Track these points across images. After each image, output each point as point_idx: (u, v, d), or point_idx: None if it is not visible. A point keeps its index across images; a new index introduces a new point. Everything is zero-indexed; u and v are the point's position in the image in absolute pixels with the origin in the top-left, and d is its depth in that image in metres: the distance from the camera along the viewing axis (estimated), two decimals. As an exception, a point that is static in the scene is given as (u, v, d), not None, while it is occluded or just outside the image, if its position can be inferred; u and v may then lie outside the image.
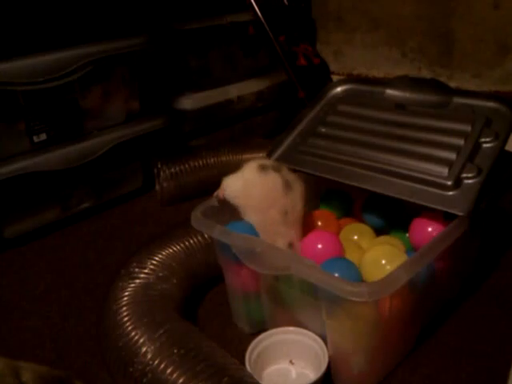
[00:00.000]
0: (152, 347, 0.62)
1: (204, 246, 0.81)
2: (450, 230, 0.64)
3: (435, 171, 0.70)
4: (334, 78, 1.56)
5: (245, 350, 0.66)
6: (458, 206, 0.66)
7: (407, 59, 1.45)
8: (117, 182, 1.16)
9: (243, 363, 0.64)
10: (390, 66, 1.49)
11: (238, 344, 0.73)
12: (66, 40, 0.99)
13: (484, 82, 1.32)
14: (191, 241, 0.80)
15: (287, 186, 0.72)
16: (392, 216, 0.80)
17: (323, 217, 0.81)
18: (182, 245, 0.80)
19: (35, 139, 1.00)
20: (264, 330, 0.71)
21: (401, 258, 0.64)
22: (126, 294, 0.71)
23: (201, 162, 1.15)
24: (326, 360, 0.64)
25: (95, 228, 1.08)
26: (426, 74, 1.41)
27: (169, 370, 0.58)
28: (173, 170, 1.13)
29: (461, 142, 0.72)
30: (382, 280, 0.56)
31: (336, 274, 0.60)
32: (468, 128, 0.74)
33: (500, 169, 0.72)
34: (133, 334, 0.64)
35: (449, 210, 0.66)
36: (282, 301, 0.69)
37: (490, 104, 0.77)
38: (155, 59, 1.26)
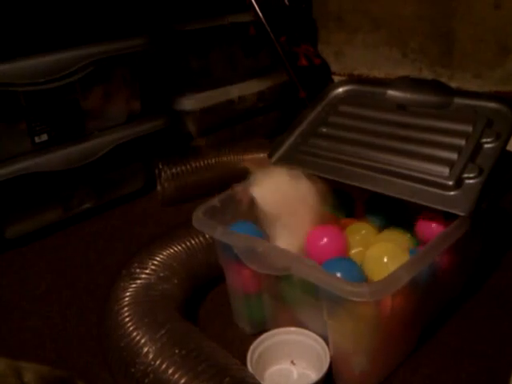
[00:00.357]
0: (153, 347, 0.62)
1: (205, 247, 0.81)
2: (451, 230, 0.64)
3: (436, 171, 0.70)
4: (335, 78, 1.56)
5: (246, 351, 0.66)
6: (459, 206, 0.66)
7: (408, 59, 1.45)
8: (118, 182, 1.16)
9: (245, 364, 0.64)
10: (391, 66, 1.49)
11: (240, 344, 0.73)
12: (67, 41, 1.00)
13: (485, 82, 1.32)
14: (192, 241, 0.80)
15: (317, 194, 0.73)
16: (395, 215, 0.80)
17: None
18: (183, 245, 0.80)
19: (36, 140, 1.00)
20: (265, 330, 0.71)
21: (403, 256, 0.64)
22: (127, 294, 0.71)
23: (202, 163, 1.15)
24: (328, 360, 0.64)
25: (96, 228, 1.08)
26: (426, 74, 1.41)
27: (170, 371, 0.58)
28: (174, 170, 1.13)
29: (462, 142, 0.72)
30: (383, 280, 0.56)
31: (338, 274, 0.60)
32: (469, 128, 0.74)
33: (501, 169, 0.72)
34: (134, 334, 0.64)
35: (450, 210, 0.66)
36: (283, 301, 0.69)
37: (492, 105, 0.77)
38: (156, 60, 1.26)
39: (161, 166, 1.13)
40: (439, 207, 0.67)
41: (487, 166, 0.69)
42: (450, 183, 0.68)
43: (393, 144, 0.77)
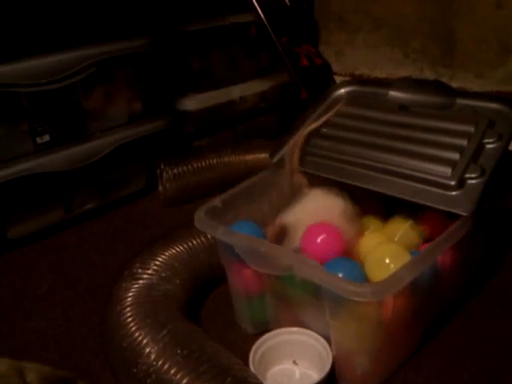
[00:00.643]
0: (156, 348, 0.62)
1: (207, 247, 0.81)
2: (453, 230, 0.64)
3: (438, 171, 0.70)
4: (337, 78, 1.56)
5: (248, 351, 0.66)
6: (461, 206, 0.66)
7: (409, 60, 1.45)
8: (120, 182, 1.16)
9: (247, 364, 0.64)
10: (393, 66, 1.49)
11: (242, 345, 0.73)
12: (68, 41, 1.00)
13: (486, 82, 1.32)
14: (194, 241, 0.80)
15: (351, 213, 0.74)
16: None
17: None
18: (185, 245, 0.80)
19: (38, 140, 1.00)
20: (267, 330, 0.71)
21: (405, 257, 0.64)
22: (130, 294, 0.71)
23: (203, 163, 1.15)
24: (330, 360, 0.64)
25: (98, 229, 1.08)
26: (428, 74, 1.41)
27: (172, 371, 0.58)
28: (175, 170, 1.13)
29: (464, 142, 0.72)
30: (385, 280, 0.56)
31: (340, 275, 0.60)
32: (471, 129, 0.74)
33: (503, 169, 0.72)
34: (136, 334, 0.64)
35: (452, 210, 0.66)
36: (286, 301, 0.69)
37: (493, 105, 0.77)
38: (158, 60, 1.26)
39: (162, 167, 1.13)
40: (441, 207, 0.67)
41: (489, 166, 0.69)
42: (452, 183, 0.68)
43: (395, 144, 0.77)
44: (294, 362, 0.69)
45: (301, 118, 0.87)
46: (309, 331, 0.67)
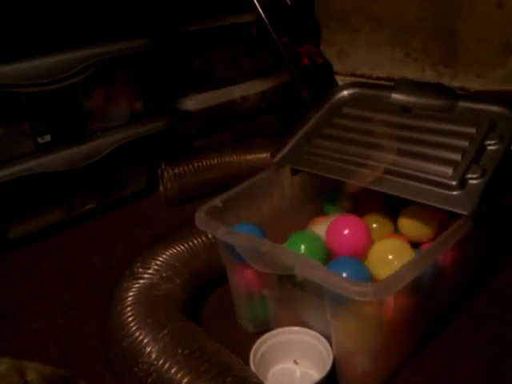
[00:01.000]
0: (156, 347, 0.62)
1: (208, 247, 0.81)
2: (454, 229, 0.64)
3: (440, 171, 0.70)
4: (338, 78, 1.55)
5: (249, 350, 0.66)
6: (462, 205, 0.66)
7: (410, 59, 1.45)
8: (120, 182, 1.16)
9: (247, 363, 0.64)
10: (394, 66, 1.48)
11: (243, 344, 0.73)
12: (69, 42, 1.00)
13: (488, 82, 1.32)
14: (195, 241, 0.80)
15: None
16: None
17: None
18: (185, 245, 0.80)
19: (39, 140, 1.00)
20: (268, 329, 0.71)
21: (408, 253, 0.64)
22: (131, 294, 0.71)
23: (204, 163, 1.15)
24: (331, 360, 0.64)
25: (99, 229, 1.08)
26: (429, 73, 1.41)
27: (173, 370, 0.58)
28: (176, 170, 1.13)
29: (466, 144, 0.73)
30: (386, 279, 0.56)
31: (344, 274, 0.60)
32: (473, 131, 0.74)
33: (505, 170, 0.72)
34: (137, 334, 0.64)
35: (453, 210, 0.66)
36: (287, 301, 0.69)
37: (495, 108, 0.77)
38: (159, 60, 1.26)
39: (163, 167, 1.13)
40: (443, 207, 0.67)
41: (491, 166, 0.69)
42: (454, 183, 0.68)
43: (397, 145, 0.77)
44: (295, 362, 0.69)
45: (303, 119, 0.87)
46: (309, 331, 0.67)
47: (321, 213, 0.87)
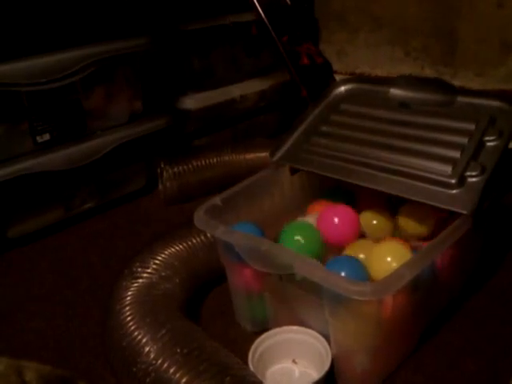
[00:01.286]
0: (155, 347, 0.62)
1: (207, 246, 0.81)
2: (453, 228, 0.64)
3: (439, 169, 0.70)
4: (337, 77, 1.55)
5: (248, 350, 0.66)
6: (461, 204, 0.66)
7: (410, 58, 1.45)
8: (120, 181, 1.16)
9: (246, 363, 0.64)
10: (393, 65, 1.48)
11: (242, 343, 0.72)
12: (69, 41, 1.00)
13: (488, 81, 1.32)
14: (194, 240, 0.80)
15: None
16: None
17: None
18: (184, 244, 0.79)
19: (38, 139, 1.00)
20: (267, 329, 0.70)
21: (406, 254, 0.64)
22: (129, 293, 0.71)
23: (203, 162, 1.15)
24: (329, 359, 0.63)
25: (98, 228, 1.08)
26: (429, 72, 1.41)
27: (172, 370, 0.58)
28: (176, 169, 1.13)
29: (465, 140, 0.72)
30: (384, 279, 0.56)
31: (343, 273, 0.60)
32: (472, 127, 0.74)
33: (504, 167, 0.72)
34: (136, 333, 0.64)
35: (452, 209, 0.66)
36: (285, 300, 0.69)
37: (494, 103, 0.77)
38: (158, 59, 1.26)
39: (163, 166, 1.13)
40: (441, 205, 0.67)
41: (490, 164, 0.69)
42: (453, 181, 0.68)
43: (395, 142, 0.77)
44: (294, 361, 0.68)
45: (301, 117, 0.87)
46: (308, 330, 0.67)
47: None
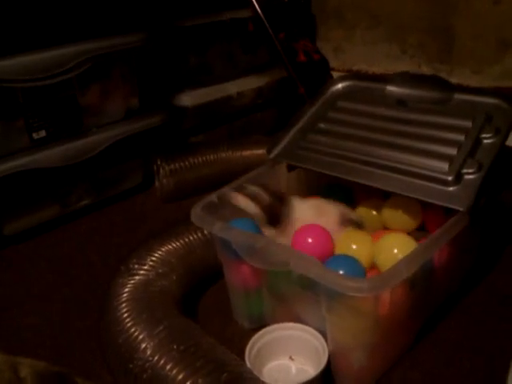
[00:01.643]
0: (151, 343, 0.61)
1: (204, 243, 0.80)
2: (450, 225, 0.64)
3: (436, 167, 0.70)
4: (334, 74, 1.56)
5: (245, 346, 0.66)
6: (458, 201, 0.66)
7: (407, 55, 1.45)
8: (116, 178, 1.16)
9: (243, 359, 0.64)
10: (390, 62, 1.48)
11: (239, 340, 0.72)
12: (64, 37, 0.99)
13: (484, 78, 1.32)
14: (191, 237, 0.80)
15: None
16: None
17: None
18: (181, 241, 0.79)
19: (34, 136, 1.00)
20: (264, 325, 0.70)
21: (413, 246, 0.64)
22: (126, 290, 0.71)
23: (200, 159, 1.15)
24: (326, 356, 0.63)
25: (94, 225, 1.08)
26: (425, 70, 1.41)
27: (168, 366, 0.58)
28: (172, 166, 1.13)
29: (461, 137, 0.72)
30: (381, 275, 0.56)
31: (340, 271, 0.60)
32: (469, 124, 0.74)
33: (501, 164, 0.72)
34: (132, 330, 0.64)
35: (449, 206, 0.66)
36: (282, 296, 0.69)
37: (491, 100, 0.77)
38: (154, 56, 1.25)
39: (159, 163, 1.13)
40: (438, 202, 0.67)
41: (486, 161, 0.69)
42: (450, 178, 0.68)
43: (392, 139, 0.77)
44: (291, 358, 0.68)
45: (298, 114, 0.87)
46: (305, 326, 0.67)
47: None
